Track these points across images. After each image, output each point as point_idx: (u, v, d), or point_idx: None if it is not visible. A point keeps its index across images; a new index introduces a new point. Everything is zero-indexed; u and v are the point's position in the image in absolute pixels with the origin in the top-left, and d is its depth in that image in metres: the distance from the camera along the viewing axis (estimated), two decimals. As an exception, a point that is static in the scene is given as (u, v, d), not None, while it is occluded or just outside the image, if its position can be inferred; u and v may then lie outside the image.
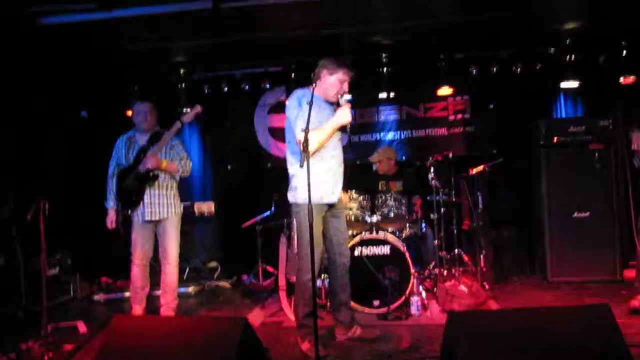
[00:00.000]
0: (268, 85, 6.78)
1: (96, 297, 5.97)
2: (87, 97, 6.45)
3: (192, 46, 5.98)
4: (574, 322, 2.77)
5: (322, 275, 5.23)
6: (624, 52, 6.06)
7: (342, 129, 3.89)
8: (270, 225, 6.45)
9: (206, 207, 7.00)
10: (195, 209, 6.96)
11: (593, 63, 6.33)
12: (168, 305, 4.81)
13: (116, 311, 5.51)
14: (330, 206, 4.01)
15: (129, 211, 4.79)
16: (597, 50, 6.28)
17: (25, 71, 5.40)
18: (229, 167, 7.31)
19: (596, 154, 5.60)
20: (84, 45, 5.50)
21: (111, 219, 4.85)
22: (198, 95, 6.83)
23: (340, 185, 4.04)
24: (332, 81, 3.88)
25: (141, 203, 4.71)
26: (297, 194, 3.88)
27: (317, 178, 3.69)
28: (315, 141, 3.64)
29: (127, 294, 5.89)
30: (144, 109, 4.86)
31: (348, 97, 3.85)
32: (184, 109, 6.32)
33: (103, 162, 5.55)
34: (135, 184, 4.73)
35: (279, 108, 7.24)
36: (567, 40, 6.07)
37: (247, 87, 6.86)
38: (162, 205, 4.75)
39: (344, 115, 3.77)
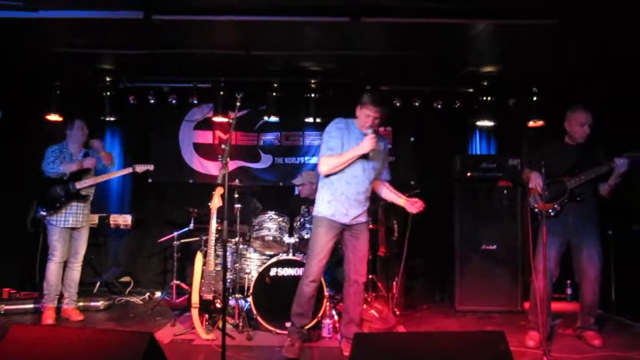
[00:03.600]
0: (196, 101, 6.75)
1: (-5, 308, 5.65)
2: (5, 97, 6.19)
3: (120, 55, 5.87)
4: (471, 346, 2.93)
5: (237, 294, 5.24)
6: (534, 97, 6.51)
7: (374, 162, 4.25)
8: (187, 242, 6.38)
9: (122, 219, 6.82)
10: (111, 221, 6.77)
11: (506, 105, 6.77)
12: (71, 298, 5.45)
13: (18, 323, 5.23)
14: (349, 226, 4.29)
15: (43, 215, 5.26)
16: (510, 93, 6.71)
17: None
18: (149, 180, 7.16)
19: (504, 191, 5.94)
20: (7, 43, 5.30)
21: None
22: (123, 104, 6.72)
23: (358, 211, 4.31)
24: (361, 114, 4.21)
25: (63, 211, 5.27)
26: (315, 207, 4.37)
27: (332, 197, 4.24)
28: (329, 164, 4.21)
29: (30, 305, 5.64)
30: (81, 126, 5.43)
31: (369, 131, 4.12)
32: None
33: (16, 166, 5.37)
34: (62, 194, 5.28)
35: (205, 124, 7.23)
36: (485, 82, 6.45)
37: (174, 101, 6.81)
38: (82, 215, 5.40)
39: (362, 147, 4.10)
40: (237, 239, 5.40)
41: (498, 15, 4.68)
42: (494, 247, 5.92)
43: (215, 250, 4.90)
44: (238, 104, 3.72)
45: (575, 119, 4.61)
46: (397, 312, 5.58)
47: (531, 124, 6.59)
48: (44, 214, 5.26)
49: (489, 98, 6.53)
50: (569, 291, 6.50)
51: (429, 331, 4.43)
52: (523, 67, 6.03)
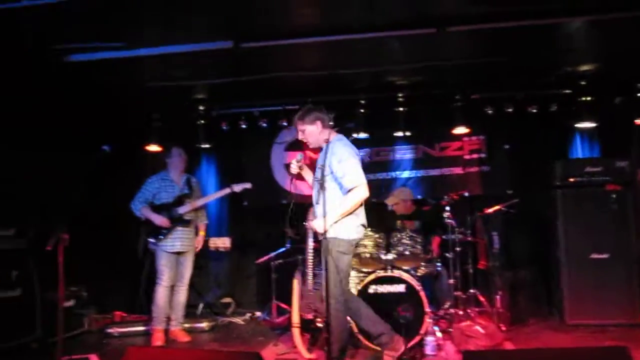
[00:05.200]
0: (285, 123, 6.88)
1: (109, 331, 5.96)
2: (111, 132, 6.59)
3: (212, 84, 6.12)
4: (591, 364, 2.74)
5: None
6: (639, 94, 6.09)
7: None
8: (284, 262, 6.46)
9: (221, 242, 7.03)
10: (211, 244, 6.99)
11: (608, 104, 6.36)
12: (178, 320, 5.68)
13: (130, 345, 5.51)
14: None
15: (153, 242, 5.48)
16: (612, 91, 6.32)
17: (49, 105, 5.55)
18: (245, 202, 7.35)
19: (613, 195, 5.57)
20: (109, 81, 5.67)
21: (160, 218, 5.47)
22: (216, 130, 6.97)
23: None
24: None
25: (170, 237, 5.48)
26: (344, 231, 4.13)
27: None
28: None
29: (140, 327, 5.91)
30: (179, 153, 5.69)
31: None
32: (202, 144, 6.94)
33: (123, 196, 5.69)
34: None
35: (296, 145, 7.32)
36: (583, 82, 6.12)
37: (264, 124, 6.97)
38: (187, 239, 5.60)
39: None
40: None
41: (593, 12, 4.43)
42: (606, 255, 5.54)
43: (314, 269, 4.91)
44: (331, 123, 3.73)
45: None
46: (503, 328, 5.34)
47: (638, 122, 6.14)
48: (153, 240, 5.48)
49: (589, 98, 6.18)
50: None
51: (540, 347, 4.19)
52: (624, 63, 5.66)
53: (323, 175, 3.80)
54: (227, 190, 5.68)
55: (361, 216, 4.20)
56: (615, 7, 4.35)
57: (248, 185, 5.71)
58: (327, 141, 4.09)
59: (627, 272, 5.49)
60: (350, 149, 4.10)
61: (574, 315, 5.56)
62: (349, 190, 4.02)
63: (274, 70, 5.62)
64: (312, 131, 4.19)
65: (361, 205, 4.17)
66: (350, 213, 4.05)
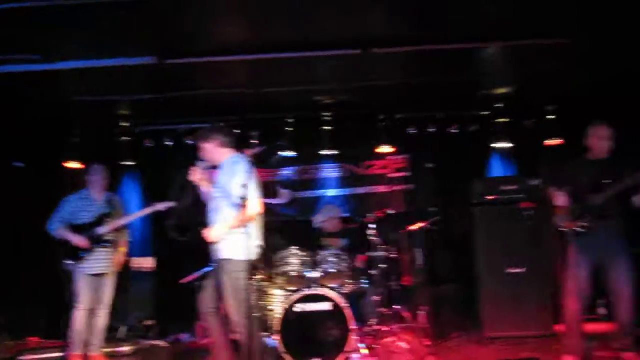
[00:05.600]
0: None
1: (22, 358, 5.59)
2: (27, 147, 6.31)
3: (135, 100, 5.97)
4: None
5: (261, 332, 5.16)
6: (551, 116, 6.46)
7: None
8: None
9: (145, 262, 6.82)
10: (134, 264, 6.77)
11: (523, 125, 6.72)
12: (97, 345, 5.39)
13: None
14: None
15: (71, 264, 5.21)
16: (526, 114, 6.67)
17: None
18: (169, 221, 7.15)
19: (528, 212, 5.84)
20: (26, 95, 5.42)
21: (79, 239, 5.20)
22: (140, 148, 6.80)
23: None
24: None
25: (88, 258, 5.23)
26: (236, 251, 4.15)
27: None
28: None
29: (57, 354, 5.61)
30: (101, 172, 5.43)
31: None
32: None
33: (41, 215, 5.44)
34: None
35: (221, 164, 7.25)
36: (500, 104, 6.43)
37: (190, 142, 6.86)
38: (107, 261, 5.35)
39: None
40: (259, 276, 5.35)
41: (506, 38, 4.68)
42: (522, 269, 5.79)
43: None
44: (253, 141, 3.75)
45: (597, 134, 4.54)
46: (427, 343, 5.45)
47: (550, 142, 6.51)
48: (71, 262, 5.23)
49: (505, 120, 6.50)
50: (602, 311, 6.30)
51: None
52: (537, 87, 6.01)
53: (218, 192, 4.14)
54: (150, 209, 5.54)
55: (255, 236, 4.25)
56: (526, 35, 4.62)
57: (172, 204, 5.58)
58: (224, 160, 4.31)
59: (542, 285, 5.73)
60: (242, 167, 4.22)
61: (493, 328, 5.74)
62: (240, 206, 4.08)
63: (200, 87, 5.59)
64: (209, 149, 4.36)
65: (253, 223, 4.22)
66: (244, 231, 4.07)
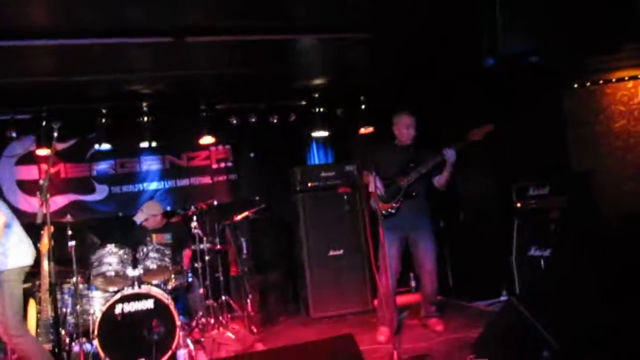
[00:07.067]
0: (15, 134, 6.15)
1: None
2: None
3: None
4: (325, 353, 2.99)
5: (81, 338, 4.85)
6: (363, 106, 6.88)
7: None
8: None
9: None
10: None
11: (337, 115, 7.08)
12: None
13: None
14: None
15: None
16: (341, 103, 7.04)
17: None
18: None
19: (345, 197, 6.19)
20: None
21: None
22: None
23: None
24: None
25: None
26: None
27: None
28: None
29: None
30: None
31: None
32: None
33: None
34: None
35: (29, 159, 6.61)
36: (316, 94, 6.69)
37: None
38: None
39: None
40: (74, 279, 4.98)
41: (320, 31, 4.87)
42: (341, 251, 6.13)
43: (53, 295, 4.46)
44: (55, 134, 3.45)
45: (401, 122, 4.97)
46: (255, 330, 5.53)
47: (362, 131, 6.94)
48: None
49: (321, 109, 6.79)
50: (413, 284, 6.92)
51: (284, 346, 4.41)
52: (348, 78, 6.34)
53: None
54: None
55: (25, 240, 4.20)
56: (338, 29, 4.85)
57: None
58: None
59: (359, 265, 6.14)
60: None
61: (318, 309, 6.03)
62: None
63: (0, 75, 5.00)
64: None
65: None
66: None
